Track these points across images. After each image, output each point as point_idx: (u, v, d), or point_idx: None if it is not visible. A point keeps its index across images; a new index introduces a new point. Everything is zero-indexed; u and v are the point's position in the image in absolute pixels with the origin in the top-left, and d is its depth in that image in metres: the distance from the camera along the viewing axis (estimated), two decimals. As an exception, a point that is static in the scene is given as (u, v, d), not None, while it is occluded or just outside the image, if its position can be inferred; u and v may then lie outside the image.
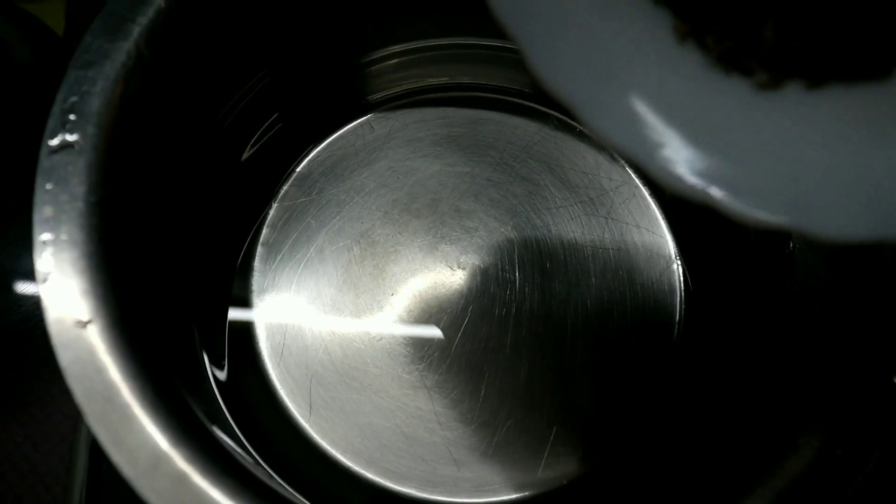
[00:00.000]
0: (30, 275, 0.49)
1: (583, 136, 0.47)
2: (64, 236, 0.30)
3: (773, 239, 0.41)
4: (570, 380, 0.42)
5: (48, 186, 0.30)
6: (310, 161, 0.46)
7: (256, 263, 0.44)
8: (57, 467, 0.47)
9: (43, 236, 0.30)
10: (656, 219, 0.46)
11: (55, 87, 0.51)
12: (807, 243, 0.38)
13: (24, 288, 0.49)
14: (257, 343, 0.43)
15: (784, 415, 0.35)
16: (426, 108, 0.48)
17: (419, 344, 0.42)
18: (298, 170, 0.46)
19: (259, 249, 0.44)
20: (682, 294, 0.44)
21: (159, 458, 0.28)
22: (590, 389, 0.42)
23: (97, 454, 0.44)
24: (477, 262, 0.44)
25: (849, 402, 0.32)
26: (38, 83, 0.52)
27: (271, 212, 0.45)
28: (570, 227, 0.45)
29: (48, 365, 0.48)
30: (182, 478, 0.28)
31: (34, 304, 0.49)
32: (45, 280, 0.29)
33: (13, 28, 0.54)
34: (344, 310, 0.43)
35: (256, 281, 0.44)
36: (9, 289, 0.49)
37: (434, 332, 0.43)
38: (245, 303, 0.43)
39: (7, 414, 0.48)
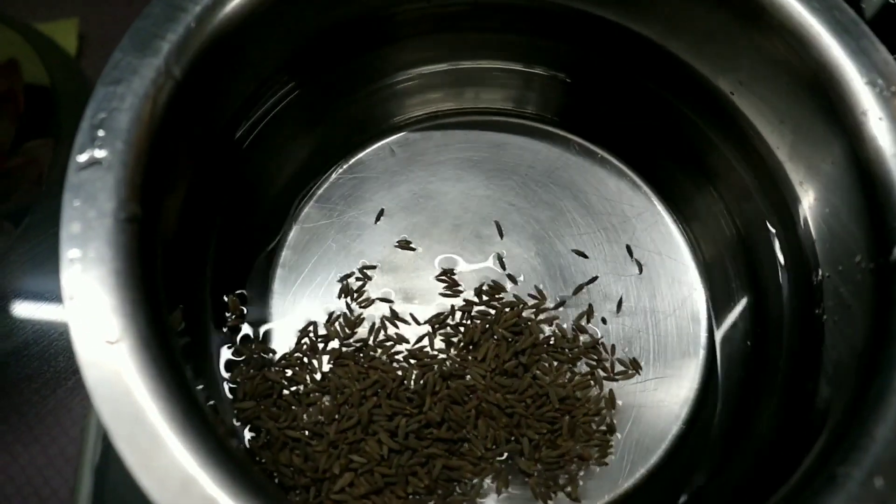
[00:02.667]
0: (32, 297, 0.49)
1: (604, 162, 0.47)
2: (92, 253, 0.29)
3: (800, 267, 0.40)
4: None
5: (76, 203, 0.30)
6: (331, 183, 0.46)
7: (276, 286, 0.44)
8: (61, 490, 0.46)
9: (70, 253, 0.29)
10: (679, 246, 0.45)
11: (68, 106, 0.52)
12: (837, 273, 0.38)
13: (27, 311, 0.49)
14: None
15: (817, 440, 0.34)
16: (448, 131, 0.48)
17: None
18: (320, 192, 0.46)
19: (279, 272, 0.44)
20: (706, 322, 0.44)
21: (189, 481, 0.27)
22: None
23: (101, 477, 0.43)
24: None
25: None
26: (51, 102, 0.52)
27: (292, 233, 0.45)
28: (593, 253, 0.45)
29: (54, 386, 0.48)
30: (212, 502, 0.27)
31: (38, 327, 0.49)
32: (72, 298, 0.29)
33: (28, 48, 0.54)
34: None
35: (276, 304, 0.43)
36: (12, 312, 0.49)
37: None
38: (264, 325, 0.43)
39: (11, 436, 0.47)
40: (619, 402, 0.42)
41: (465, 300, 0.44)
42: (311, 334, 0.43)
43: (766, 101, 0.41)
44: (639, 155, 0.47)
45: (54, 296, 0.49)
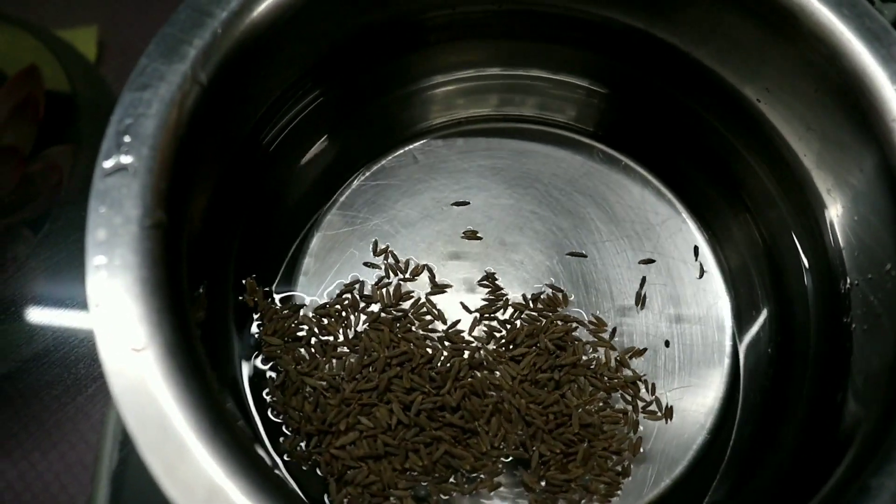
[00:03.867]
0: (52, 303, 0.49)
1: (628, 170, 0.47)
2: (118, 260, 0.29)
3: (827, 275, 0.40)
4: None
5: (102, 210, 0.30)
6: (353, 190, 0.46)
7: (297, 293, 0.43)
8: (78, 497, 0.46)
9: (96, 260, 0.29)
10: (704, 254, 0.45)
11: (88, 112, 0.52)
12: (866, 281, 0.37)
13: (46, 317, 0.49)
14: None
15: (847, 452, 0.33)
16: (470, 138, 0.47)
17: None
18: (342, 199, 0.46)
19: (301, 279, 0.44)
20: (731, 330, 0.43)
21: (215, 490, 0.27)
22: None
23: (119, 485, 0.43)
24: (522, 295, 0.44)
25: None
26: (71, 109, 0.52)
27: (314, 241, 0.44)
28: (617, 260, 0.44)
29: (72, 393, 0.48)
30: (239, 512, 0.27)
31: (58, 333, 0.49)
32: (97, 305, 0.28)
33: (48, 54, 0.54)
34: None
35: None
36: (31, 318, 0.49)
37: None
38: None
39: (29, 443, 0.47)
40: (642, 450, 0.41)
41: (520, 300, 0.44)
42: (356, 291, 0.43)
43: (793, 109, 0.40)
44: (663, 162, 0.47)
45: (74, 302, 0.49)
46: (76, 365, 0.48)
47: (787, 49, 0.38)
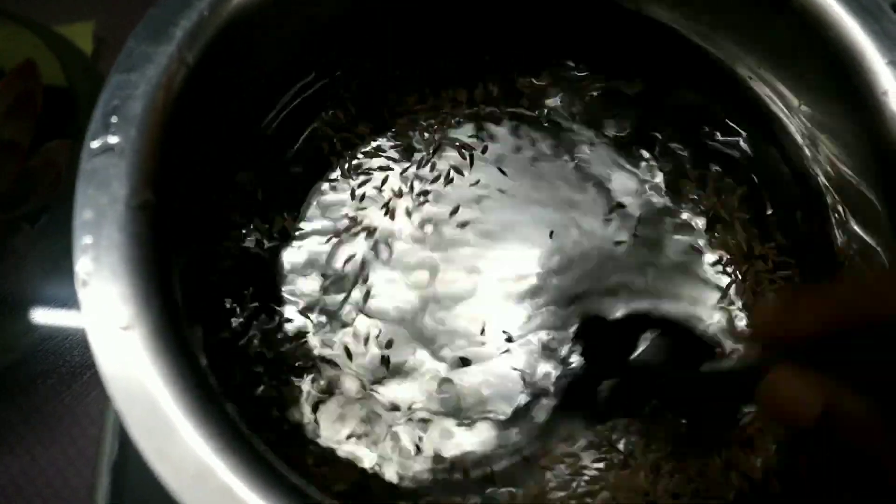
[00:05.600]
0: (52, 298, 0.49)
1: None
2: (104, 240, 0.29)
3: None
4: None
5: (89, 190, 0.30)
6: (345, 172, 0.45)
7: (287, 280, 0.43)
8: (80, 490, 0.46)
9: (84, 240, 0.29)
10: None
11: (86, 107, 0.52)
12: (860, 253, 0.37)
13: (46, 310, 0.49)
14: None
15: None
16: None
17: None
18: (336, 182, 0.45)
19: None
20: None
21: (204, 468, 0.27)
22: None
23: (120, 477, 0.43)
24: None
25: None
26: (69, 104, 0.53)
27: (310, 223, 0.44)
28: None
29: (72, 386, 0.48)
30: (227, 490, 0.26)
31: (58, 326, 0.49)
32: (85, 284, 0.28)
33: (45, 50, 0.54)
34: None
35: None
36: (32, 312, 0.49)
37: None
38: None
39: (31, 437, 0.48)
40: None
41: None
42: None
43: (785, 84, 0.40)
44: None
45: (70, 295, 0.49)
46: (71, 352, 0.48)
47: (779, 25, 0.38)
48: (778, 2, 0.37)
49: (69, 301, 0.49)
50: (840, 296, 0.25)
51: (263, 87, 0.40)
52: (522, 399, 0.40)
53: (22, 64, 0.52)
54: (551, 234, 0.43)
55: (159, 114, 0.32)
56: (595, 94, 0.47)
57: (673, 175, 0.45)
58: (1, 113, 0.50)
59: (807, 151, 0.40)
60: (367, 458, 0.38)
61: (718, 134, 0.45)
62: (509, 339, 0.41)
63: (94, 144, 0.30)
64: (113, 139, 0.30)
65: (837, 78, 0.36)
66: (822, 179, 0.40)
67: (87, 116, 0.31)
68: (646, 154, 0.46)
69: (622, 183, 0.45)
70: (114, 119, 0.31)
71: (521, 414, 0.40)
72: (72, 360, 0.48)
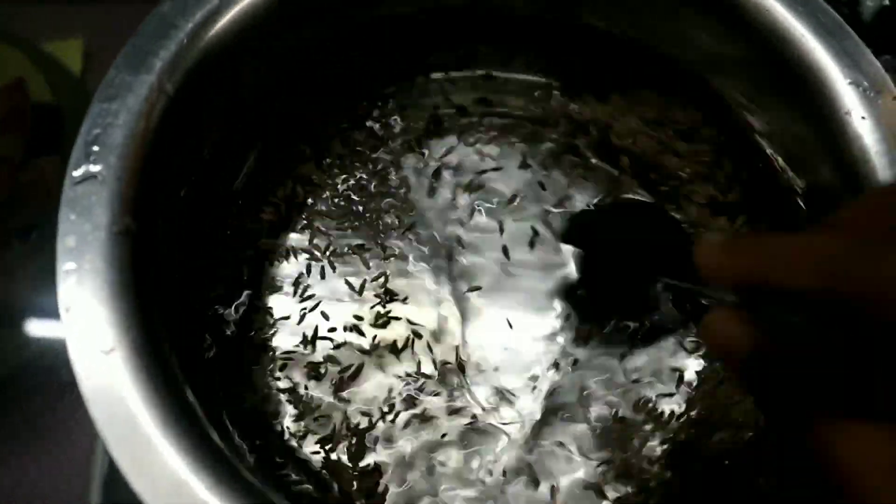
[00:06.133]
0: (43, 312, 0.50)
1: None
2: (87, 265, 0.30)
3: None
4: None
5: (72, 217, 0.31)
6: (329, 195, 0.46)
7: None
8: (72, 502, 0.47)
9: (66, 266, 0.30)
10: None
11: (74, 124, 0.53)
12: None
13: (37, 325, 0.50)
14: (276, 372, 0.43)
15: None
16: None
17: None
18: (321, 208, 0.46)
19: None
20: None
21: (180, 485, 0.28)
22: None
23: (111, 487, 0.44)
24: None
25: None
26: (58, 121, 0.53)
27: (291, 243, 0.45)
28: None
29: (63, 399, 0.48)
30: (203, 505, 0.27)
31: (48, 340, 0.49)
32: (67, 309, 0.29)
33: (33, 68, 0.55)
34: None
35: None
36: (23, 326, 0.50)
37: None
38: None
39: (22, 448, 0.48)
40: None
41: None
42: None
43: (756, 104, 0.41)
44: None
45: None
46: (60, 370, 0.49)
47: (743, 45, 0.39)
48: (741, 23, 0.38)
49: (58, 315, 0.50)
50: (770, 251, 0.25)
51: (245, 115, 0.41)
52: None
53: (10, 82, 0.53)
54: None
55: (140, 142, 0.32)
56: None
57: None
58: (-9, 129, 0.51)
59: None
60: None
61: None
62: None
63: (77, 173, 0.31)
64: (95, 167, 0.31)
65: (800, 98, 0.37)
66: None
67: (76, 133, 0.32)
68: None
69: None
70: (95, 148, 0.32)
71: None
72: (64, 374, 0.49)
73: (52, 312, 0.49)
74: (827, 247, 0.23)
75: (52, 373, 0.49)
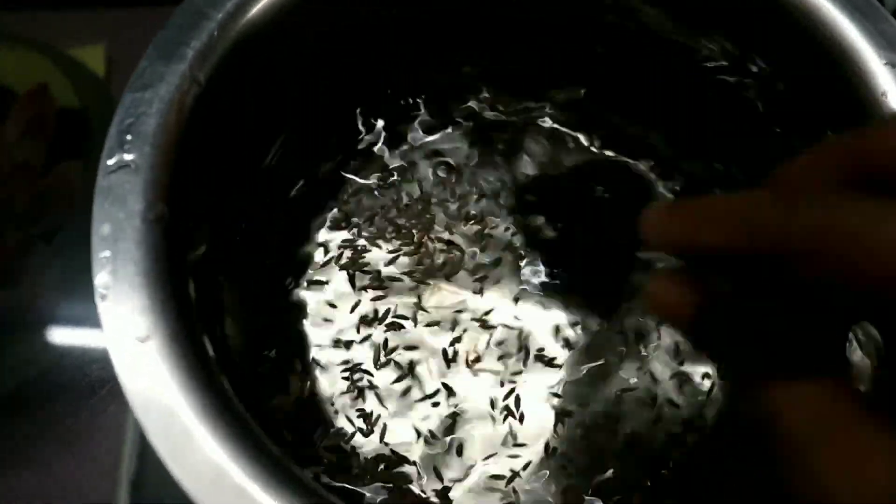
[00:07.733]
0: (67, 316, 0.50)
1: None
2: (122, 254, 0.30)
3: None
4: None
5: (106, 205, 0.31)
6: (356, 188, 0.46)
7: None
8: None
9: (102, 253, 0.30)
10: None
11: (99, 128, 0.53)
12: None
13: (61, 329, 0.50)
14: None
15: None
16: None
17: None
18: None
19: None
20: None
21: (220, 473, 0.27)
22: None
23: (138, 491, 0.43)
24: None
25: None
26: (82, 125, 0.53)
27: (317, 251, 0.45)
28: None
29: (88, 402, 0.48)
30: (243, 492, 0.27)
31: (72, 343, 0.49)
32: (103, 297, 0.29)
33: (59, 73, 0.55)
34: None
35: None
36: (48, 330, 0.50)
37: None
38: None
39: (49, 452, 0.48)
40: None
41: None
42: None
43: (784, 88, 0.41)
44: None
45: (87, 312, 0.50)
46: (88, 368, 0.49)
47: (777, 27, 0.38)
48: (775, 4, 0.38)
49: (86, 317, 0.50)
50: (703, 213, 0.24)
51: (275, 102, 0.41)
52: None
53: (34, 87, 0.53)
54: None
55: (172, 131, 0.32)
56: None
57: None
58: (15, 135, 0.51)
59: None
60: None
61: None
62: None
63: (110, 161, 0.31)
64: (128, 156, 0.31)
65: (834, 79, 0.37)
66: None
67: (101, 137, 0.32)
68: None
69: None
70: (128, 137, 0.32)
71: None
72: (89, 376, 0.49)
73: (79, 315, 0.50)
74: (750, 205, 0.22)
75: (78, 374, 0.49)
